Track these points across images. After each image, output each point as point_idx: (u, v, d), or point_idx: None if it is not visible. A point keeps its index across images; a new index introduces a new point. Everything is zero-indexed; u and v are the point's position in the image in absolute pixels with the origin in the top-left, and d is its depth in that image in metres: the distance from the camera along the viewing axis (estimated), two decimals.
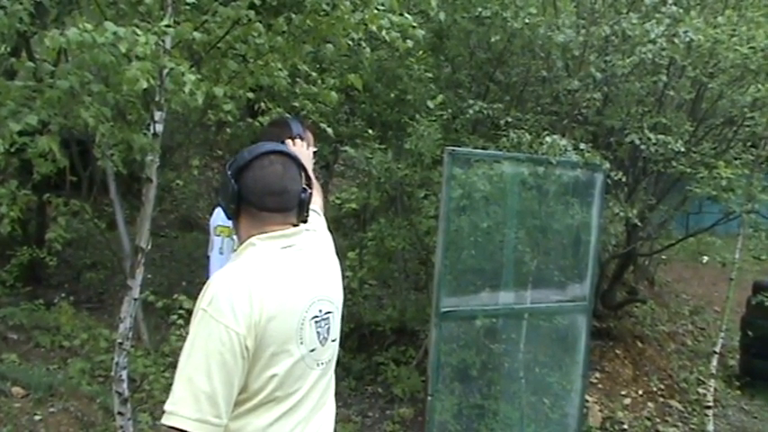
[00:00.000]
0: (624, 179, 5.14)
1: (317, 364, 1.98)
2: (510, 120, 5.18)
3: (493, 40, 5.17)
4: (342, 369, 6.75)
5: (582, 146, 4.61)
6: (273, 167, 1.96)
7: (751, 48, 5.35)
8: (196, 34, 3.30)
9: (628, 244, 6.44)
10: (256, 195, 1.95)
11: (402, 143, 5.35)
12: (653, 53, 4.87)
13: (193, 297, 5.53)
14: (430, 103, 4.93)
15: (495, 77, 6.00)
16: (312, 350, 1.95)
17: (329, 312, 2.01)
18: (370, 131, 5.28)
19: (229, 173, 1.97)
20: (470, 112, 5.20)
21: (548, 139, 4.43)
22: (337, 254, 2.27)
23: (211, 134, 7.04)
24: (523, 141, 4.52)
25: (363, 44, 4.10)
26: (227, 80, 3.81)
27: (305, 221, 2.04)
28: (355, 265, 5.92)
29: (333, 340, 2.04)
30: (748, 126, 6.07)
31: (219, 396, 1.78)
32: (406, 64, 5.33)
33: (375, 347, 6.80)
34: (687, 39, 4.83)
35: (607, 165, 4.89)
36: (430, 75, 5.32)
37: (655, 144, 5.17)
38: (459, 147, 5.05)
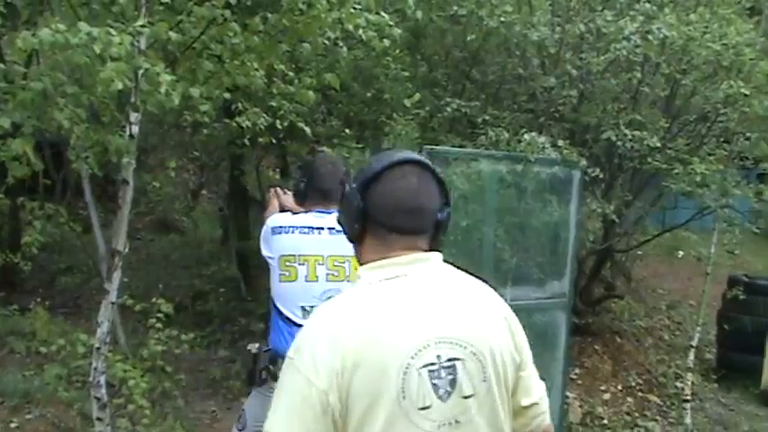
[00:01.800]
0: (601, 176, 5.18)
1: (439, 426, 1.53)
2: (487, 118, 5.19)
3: (469, 38, 5.18)
4: None
5: (560, 143, 4.63)
6: (407, 180, 1.64)
7: (723, 44, 5.42)
8: (172, 34, 3.27)
9: (605, 240, 6.49)
10: (386, 213, 1.63)
11: (379, 142, 5.34)
12: (627, 50, 4.91)
13: (171, 300, 5.46)
14: (407, 102, 4.93)
15: (471, 76, 6.02)
16: (424, 408, 1.51)
17: (456, 359, 1.55)
18: (348, 131, 5.27)
19: (354, 186, 1.67)
20: (447, 110, 5.20)
21: (526, 136, 4.45)
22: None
23: (187, 136, 6.98)
24: (501, 139, 4.53)
25: (340, 43, 4.09)
26: (203, 81, 3.77)
27: (438, 248, 1.69)
28: None
29: (466, 396, 1.56)
30: (721, 122, 6.15)
31: None
32: (383, 63, 5.33)
33: None
34: (661, 36, 4.88)
35: (584, 162, 4.93)
36: (407, 74, 5.32)
37: (631, 140, 5.22)
38: (437, 145, 5.05)
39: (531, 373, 1.72)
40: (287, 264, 3.15)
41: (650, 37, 4.87)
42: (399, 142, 5.07)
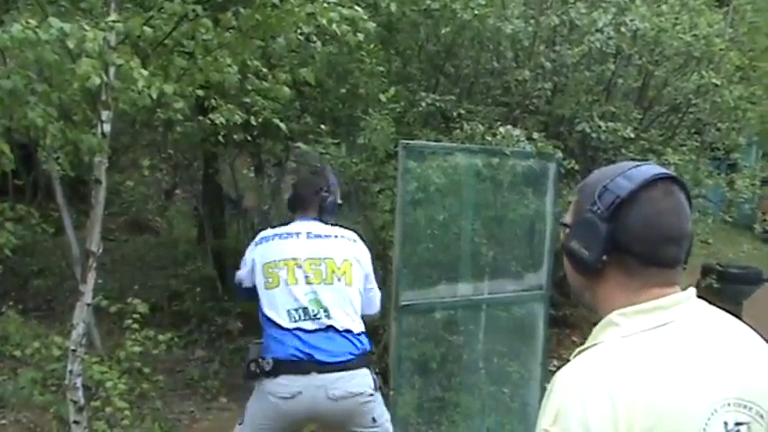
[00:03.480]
0: (576, 167, 5.20)
1: None
2: (462, 112, 5.19)
3: (442, 32, 5.17)
4: None
5: (534, 135, 4.65)
6: (668, 200, 1.37)
7: (693, 35, 5.48)
8: (146, 29, 3.22)
9: None
10: (648, 243, 1.36)
11: (355, 138, 5.32)
12: (600, 42, 4.94)
13: (146, 301, 5.39)
14: (382, 97, 4.91)
15: (445, 70, 6.01)
16: None
17: (742, 424, 1.32)
18: (323, 127, 5.24)
19: (599, 208, 1.38)
20: (422, 105, 5.19)
21: (501, 129, 4.46)
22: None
23: (159, 135, 6.90)
24: (477, 133, 4.53)
25: (314, 38, 4.06)
26: (175, 78, 3.73)
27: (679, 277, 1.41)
28: None
29: None
30: (693, 113, 6.22)
31: None
32: (357, 58, 5.30)
33: None
34: (633, 27, 4.91)
35: (560, 154, 4.95)
36: (381, 68, 5.30)
37: (605, 132, 5.25)
38: (413, 140, 5.05)
39: None
40: (270, 270, 3.23)
41: (623, 29, 4.90)
42: (375, 137, 5.06)
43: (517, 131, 4.44)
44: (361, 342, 3.24)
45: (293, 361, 3.12)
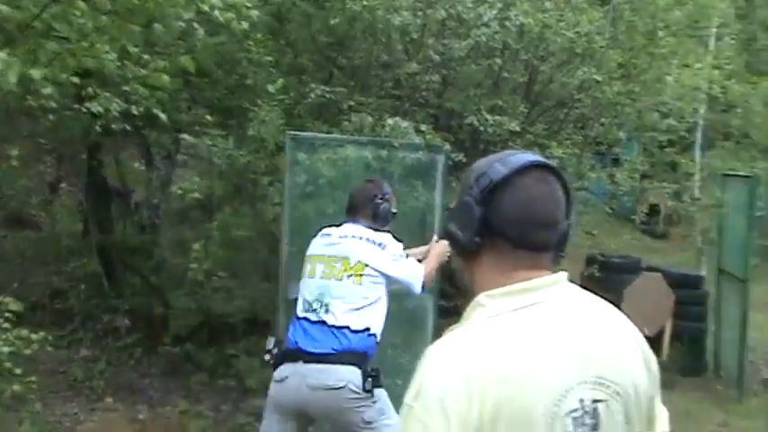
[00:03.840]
0: (465, 160, 5.28)
1: None
2: (352, 104, 5.17)
3: (332, 23, 5.13)
4: (192, 364, 6.60)
5: (422, 127, 4.69)
6: (541, 187, 1.43)
7: (576, 32, 5.65)
8: (3, 8, 3.03)
9: None
10: (517, 226, 1.41)
11: (244, 130, 5.22)
12: (486, 36, 5.02)
13: (25, 299, 5.15)
14: (270, 88, 4.83)
15: (338, 62, 5.98)
16: None
17: (599, 401, 1.37)
18: (209, 118, 5.11)
19: (475, 191, 1.43)
20: (312, 96, 5.14)
21: (389, 121, 4.48)
22: None
23: (39, 125, 6.57)
24: (365, 124, 4.53)
25: (195, 25, 3.94)
26: (45, 63, 3.53)
27: (558, 264, 1.49)
28: (201, 257, 5.73)
29: None
30: (577, 108, 6.43)
31: None
32: (246, 48, 5.19)
33: (227, 340, 6.66)
34: (517, 22, 5.02)
35: (448, 146, 5.00)
36: (270, 59, 5.22)
37: (492, 125, 5.35)
38: (303, 132, 5.00)
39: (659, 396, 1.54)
40: (305, 262, 3.67)
41: (507, 23, 5.01)
42: (264, 129, 4.98)
43: (405, 123, 4.46)
44: (350, 340, 3.35)
45: (290, 349, 3.41)
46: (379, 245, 3.60)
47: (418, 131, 4.62)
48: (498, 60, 5.51)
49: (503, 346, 1.34)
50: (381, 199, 3.76)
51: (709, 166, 9.64)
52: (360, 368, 3.31)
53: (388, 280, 3.59)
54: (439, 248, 4.04)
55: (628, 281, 7.84)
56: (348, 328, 3.36)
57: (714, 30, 9.43)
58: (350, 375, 3.28)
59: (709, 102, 9.90)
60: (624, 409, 1.39)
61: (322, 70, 6.09)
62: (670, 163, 10.40)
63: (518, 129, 5.29)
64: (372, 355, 3.49)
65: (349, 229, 3.65)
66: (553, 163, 1.50)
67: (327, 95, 5.19)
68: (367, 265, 3.50)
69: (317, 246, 3.65)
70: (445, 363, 1.35)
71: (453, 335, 1.40)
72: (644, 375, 1.45)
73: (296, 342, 3.39)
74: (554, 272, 1.46)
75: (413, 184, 5.12)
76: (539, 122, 6.26)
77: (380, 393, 3.40)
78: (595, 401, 1.37)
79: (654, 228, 14.69)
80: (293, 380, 3.32)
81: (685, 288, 8.09)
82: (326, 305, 3.41)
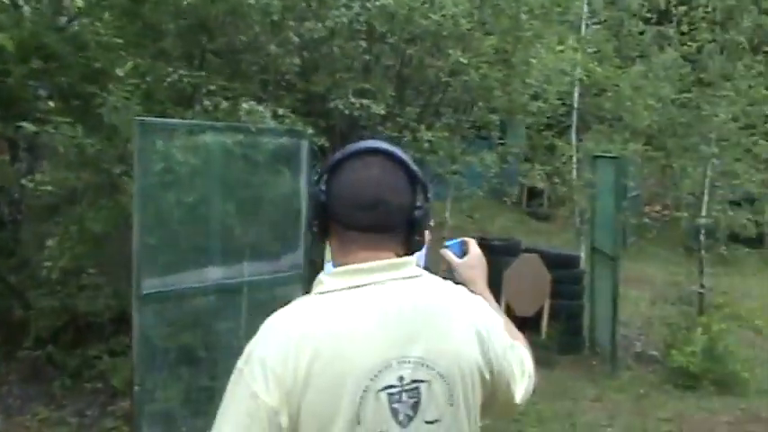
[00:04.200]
0: (328, 144, 5.16)
1: None
2: (213, 88, 4.95)
3: (186, 3, 4.88)
4: (55, 368, 6.21)
5: (280, 111, 4.52)
6: (368, 171, 1.48)
7: (442, 15, 5.61)
8: None
9: None
10: (344, 207, 1.48)
11: (95, 117, 4.90)
12: (348, 18, 4.90)
13: None
14: (119, 72, 4.54)
15: (202, 45, 5.72)
16: None
17: (420, 382, 1.42)
18: (51, 104, 4.77)
19: (316, 177, 1.56)
20: (168, 80, 4.88)
21: (245, 105, 4.28)
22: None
23: None
24: (220, 108, 4.32)
25: (20, 2, 3.62)
26: None
27: (416, 250, 1.53)
28: (55, 254, 5.37)
29: (430, 422, 1.43)
30: (448, 92, 6.41)
31: None
32: (93, 29, 4.87)
33: (94, 340, 6.32)
34: (378, 3, 4.92)
35: (311, 131, 4.86)
36: (120, 41, 4.91)
37: (358, 109, 5.25)
38: (164, 117, 4.74)
39: (518, 368, 1.61)
40: None
41: (368, 5, 4.90)
42: (116, 115, 4.69)
43: (261, 108, 4.28)
44: None
45: None
46: None
47: (277, 116, 4.44)
48: (363, 43, 5.39)
49: (326, 319, 1.41)
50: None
51: (584, 149, 9.90)
52: None
53: None
54: None
55: (508, 263, 7.94)
56: None
57: (584, 16, 9.67)
58: None
59: (582, 86, 10.17)
60: (448, 390, 1.44)
61: (189, 54, 5.81)
62: (548, 146, 10.66)
63: (383, 112, 5.20)
64: None
65: None
66: (395, 149, 1.53)
67: (186, 80, 4.93)
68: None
69: None
70: (272, 329, 1.43)
71: (287, 306, 1.48)
72: (478, 364, 1.49)
73: None
74: (400, 255, 1.50)
75: (277, 170, 4.96)
76: (410, 106, 6.19)
77: None
78: (416, 381, 1.41)
79: (538, 210, 15.10)
80: None
81: (563, 268, 8.28)
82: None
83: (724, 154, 8.10)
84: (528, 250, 8.58)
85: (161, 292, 4.40)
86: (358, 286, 1.45)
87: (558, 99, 10.89)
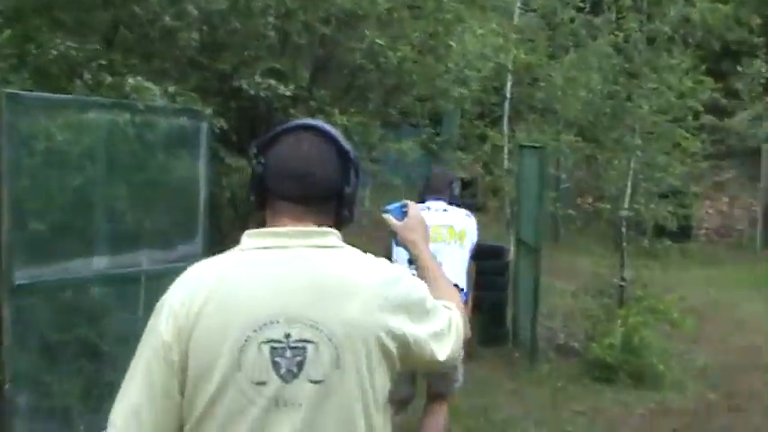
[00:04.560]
0: (235, 126, 4.87)
1: (276, 404, 1.48)
2: (103, 63, 4.59)
3: None
4: None
5: (170, 89, 4.21)
6: (299, 145, 1.60)
7: None
8: None
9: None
10: (275, 178, 1.59)
11: None
12: None
13: None
14: None
15: (97, 17, 5.34)
16: (260, 383, 1.48)
17: (307, 342, 1.49)
18: None
19: (254, 151, 1.64)
20: (55, 52, 4.51)
21: (131, 80, 3.95)
22: None
23: None
24: (105, 84, 3.98)
25: None
26: None
27: (344, 224, 1.65)
28: None
29: (314, 381, 1.49)
30: (369, 75, 6.16)
31: (144, 411, 1.51)
32: None
33: None
34: None
35: (209, 111, 4.56)
36: None
37: (265, 89, 4.97)
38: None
39: (442, 328, 1.68)
40: None
41: None
42: None
43: (150, 84, 3.96)
44: (462, 289, 4.23)
45: None
46: (469, 215, 4.64)
47: (168, 94, 4.13)
48: (271, 20, 5.09)
49: (227, 270, 1.55)
50: (454, 184, 4.89)
51: (515, 139, 9.77)
52: None
53: (473, 243, 4.58)
54: None
55: None
56: (457, 285, 3.71)
57: (517, 3, 9.53)
58: None
59: (515, 75, 10.04)
60: (336, 354, 1.49)
61: (84, 28, 5.42)
62: (480, 135, 10.52)
63: (289, 93, 4.92)
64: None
65: (439, 204, 4.60)
66: (328, 127, 1.64)
67: (74, 53, 4.57)
68: (467, 232, 4.50)
69: None
70: (182, 276, 1.58)
71: (209, 258, 1.62)
72: (380, 328, 1.53)
73: None
74: (320, 226, 1.60)
75: (173, 153, 4.64)
76: (326, 89, 5.92)
77: None
78: (303, 341, 1.49)
79: (471, 201, 15.01)
80: None
81: (488, 259, 8.14)
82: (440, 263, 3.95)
83: (649, 146, 8.06)
84: None
85: (37, 282, 4.05)
86: (267, 247, 1.56)
87: (493, 87, 10.79)
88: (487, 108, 10.98)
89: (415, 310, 1.62)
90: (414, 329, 1.59)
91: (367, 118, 5.97)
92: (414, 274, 1.76)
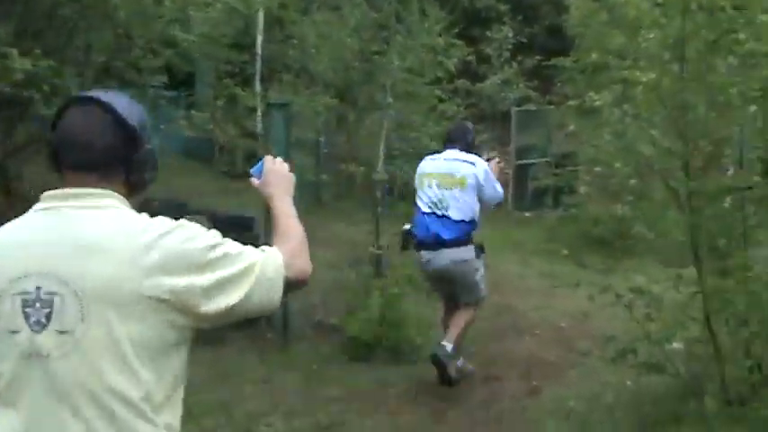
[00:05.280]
0: None
1: (30, 356, 1.59)
2: None
3: None
4: None
5: None
6: (75, 116, 1.70)
7: None
8: None
9: None
10: (59, 148, 1.72)
11: None
12: None
13: None
14: None
15: None
16: (14, 332, 1.60)
17: (54, 294, 1.60)
18: None
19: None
20: None
21: None
22: None
23: None
24: None
25: None
26: None
27: (138, 189, 1.78)
28: None
29: (62, 332, 1.59)
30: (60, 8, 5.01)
31: None
32: None
33: None
34: None
35: None
36: None
37: None
38: None
39: (234, 274, 1.70)
40: (421, 178, 5.68)
41: None
42: None
43: None
44: (467, 228, 5.48)
45: (426, 242, 5.50)
46: (472, 163, 5.52)
47: None
48: None
49: (6, 229, 1.70)
50: (470, 134, 5.82)
51: (266, 99, 9.00)
52: (472, 244, 5.49)
53: (483, 186, 5.49)
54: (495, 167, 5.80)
55: (201, 222, 6.90)
56: (463, 220, 5.43)
57: None
58: (470, 251, 5.47)
59: (267, 32, 9.34)
60: (80, 307, 1.59)
61: None
62: (229, 95, 9.78)
63: None
64: (473, 233, 5.52)
65: (451, 153, 5.62)
66: (108, 100, 1.70)
67: None
68: (467, 178, 5.44)
69: (429, 166, 5.70)
70: None
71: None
72: (137, 284, 1.59)
73: (429, 235, 5.45)
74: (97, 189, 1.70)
75: None
76: (6, 25, 4.70)
77: (481, 257, 5.59)
78: (51, 293, 1.60)
79: (232, 169, 14.03)
80: (436, 260, 5.47)
81: (236, 230, 7.34)
82: (447, 207, 5.42)
83: (404, 107, 7.69)
84: (199, 212, 7.78)
85: None
86: (44, 209, 1.69)
87: (242, 45, 9.94)
88: (238, 66, 10.25)
89: (190, 261, 1.66)
90: (186, 281, 1.63)
91: (69, 65, 4.84)
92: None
